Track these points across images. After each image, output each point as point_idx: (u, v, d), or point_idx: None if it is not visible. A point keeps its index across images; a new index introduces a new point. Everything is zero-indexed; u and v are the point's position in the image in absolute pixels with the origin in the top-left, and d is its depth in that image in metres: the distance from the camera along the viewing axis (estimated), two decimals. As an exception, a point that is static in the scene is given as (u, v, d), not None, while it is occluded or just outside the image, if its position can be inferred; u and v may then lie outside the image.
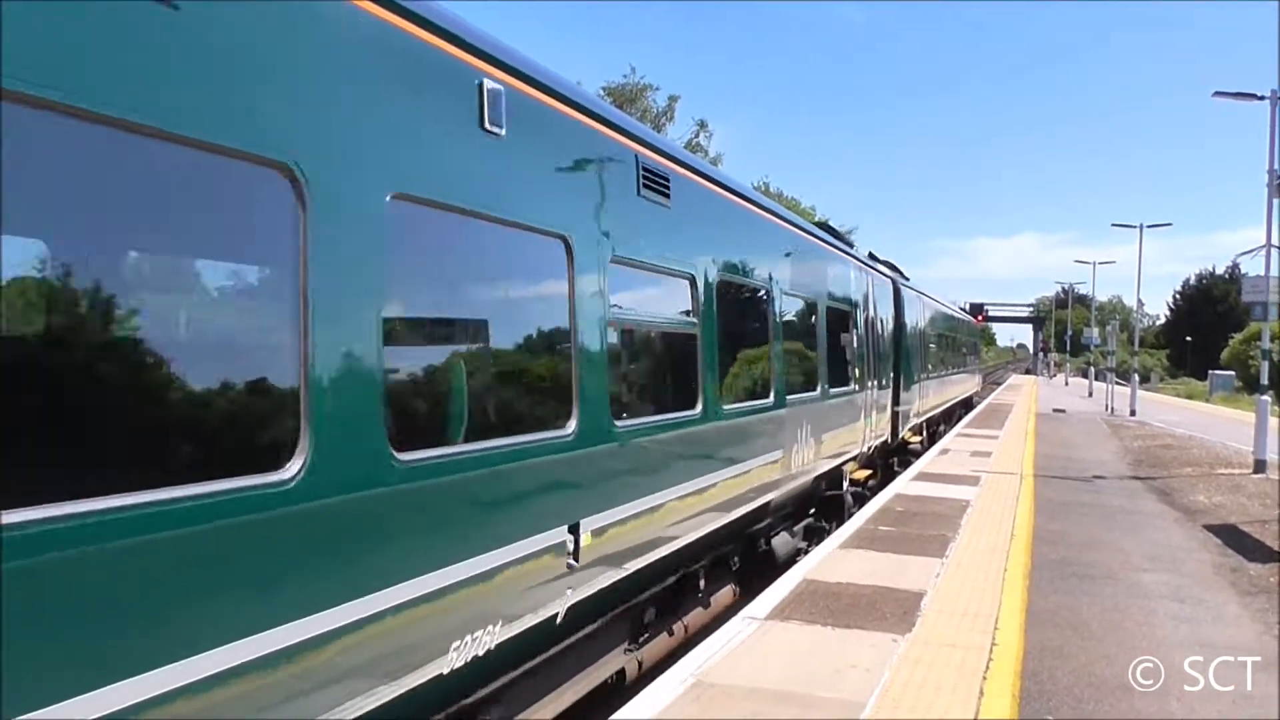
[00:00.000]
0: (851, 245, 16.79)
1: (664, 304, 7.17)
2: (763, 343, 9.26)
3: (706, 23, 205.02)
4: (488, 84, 4.45)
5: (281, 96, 3.29)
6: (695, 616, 8.17)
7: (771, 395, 9.17)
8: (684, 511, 6.91)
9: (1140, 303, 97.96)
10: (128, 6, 2.76)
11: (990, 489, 14.89)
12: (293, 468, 3.21)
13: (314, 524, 3.34)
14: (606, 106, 6.75)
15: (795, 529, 11.09)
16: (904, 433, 19.23)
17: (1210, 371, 68.59)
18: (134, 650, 2.67)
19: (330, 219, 3.39)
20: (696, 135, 48.42)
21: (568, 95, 5.44)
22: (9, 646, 2.32)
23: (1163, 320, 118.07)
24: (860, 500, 13.94)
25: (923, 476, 16.13)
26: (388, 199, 3.73)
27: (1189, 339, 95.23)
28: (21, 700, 2.35)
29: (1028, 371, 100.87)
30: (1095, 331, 56.09)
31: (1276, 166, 19.27)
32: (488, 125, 4.44)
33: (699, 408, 7.19)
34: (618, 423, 5.83)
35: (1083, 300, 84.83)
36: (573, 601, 5.21)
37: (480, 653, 4.31)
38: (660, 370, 7.36)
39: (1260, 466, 18.44)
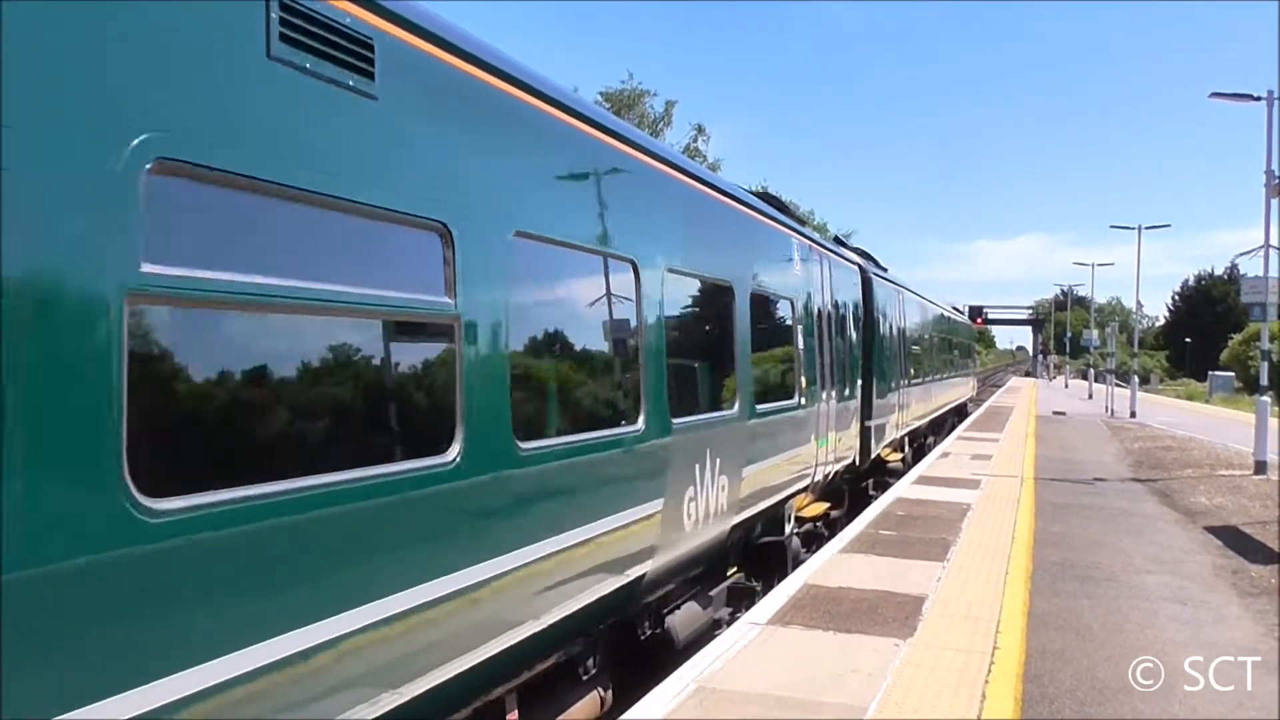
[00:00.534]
0: (803, 223, 13.46)
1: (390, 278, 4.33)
2: (622, 344, 6.31)
3: (707, 23, 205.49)
4: None
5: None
6: None
7: (640, 421, 6.20)
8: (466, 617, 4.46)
9: (1139, 304, 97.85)
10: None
11: (991, 492, 14.91)
12: (452, 452, 4.19)
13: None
14: None
15: (712, 593, 8.37)
16: (879, 450, 16.21)
17: (1210, 372, 68.51)
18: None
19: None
20: (694, 139, 48.43)
21: None
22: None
23: (1162, 321, 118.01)
24: (817, 540, 11.78)
25: (923, 480, 16.18)
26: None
27: (1188, 340, 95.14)
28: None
29: (1027, 374, 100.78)
30: (1094, 333, 56.10)
31: (1274, 167, 19.32)
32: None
33: (453, 452, 4.25)
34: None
35: (1082, 302, 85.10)
36: None
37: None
38: (381, 397, 4.18)
39: (1260, 468, 18.46)
